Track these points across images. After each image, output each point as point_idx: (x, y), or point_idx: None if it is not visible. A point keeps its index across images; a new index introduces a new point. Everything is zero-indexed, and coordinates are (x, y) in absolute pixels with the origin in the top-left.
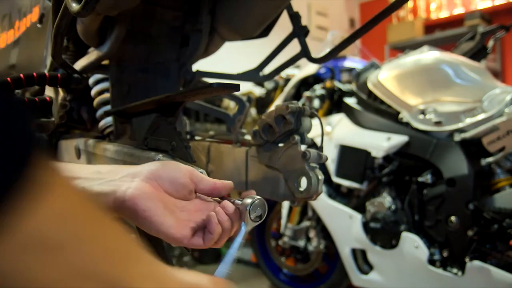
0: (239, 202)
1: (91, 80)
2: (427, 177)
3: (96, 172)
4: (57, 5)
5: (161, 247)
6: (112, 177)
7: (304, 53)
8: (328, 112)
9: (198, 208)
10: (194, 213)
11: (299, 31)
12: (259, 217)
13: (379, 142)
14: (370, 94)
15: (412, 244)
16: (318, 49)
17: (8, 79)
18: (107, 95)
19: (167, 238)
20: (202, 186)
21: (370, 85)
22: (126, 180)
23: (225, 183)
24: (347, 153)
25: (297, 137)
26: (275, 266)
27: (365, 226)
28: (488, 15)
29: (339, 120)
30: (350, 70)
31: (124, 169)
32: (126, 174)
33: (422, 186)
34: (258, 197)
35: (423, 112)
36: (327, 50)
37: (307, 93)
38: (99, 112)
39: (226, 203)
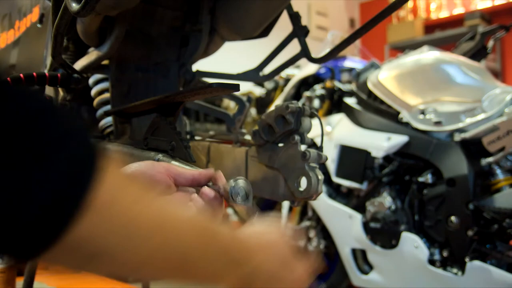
0: (220, 187)
1: (91, 80)
2: (427, 177)
3: None
4: (57, 5)
5: None
6: None
7: (304, 53)
8: (328, 112)
9: (180, 201)
10: None
11: (299, 31)
12: (245, 198)
13: (379, 142)
14: (370, 94)
15: (412, 244)
16: (318, 49)
17: (8, 79)
18: (107, 95)
19: None
20: (181, 180)
21: (370, 85)
22: None
23: (203, 172)
24: (347, 153)
25: (297, 137)
26: None
27: (365, 226)
28: (488, 15)
29: (339, 120)
30: (350, 70)
31: None
32: None
33: (422, 186)
34: (241, 177)
35: (423, 112)
36: (327, 50)
37: (307, 93)
38: (99, 112)
39: (204, 189)
